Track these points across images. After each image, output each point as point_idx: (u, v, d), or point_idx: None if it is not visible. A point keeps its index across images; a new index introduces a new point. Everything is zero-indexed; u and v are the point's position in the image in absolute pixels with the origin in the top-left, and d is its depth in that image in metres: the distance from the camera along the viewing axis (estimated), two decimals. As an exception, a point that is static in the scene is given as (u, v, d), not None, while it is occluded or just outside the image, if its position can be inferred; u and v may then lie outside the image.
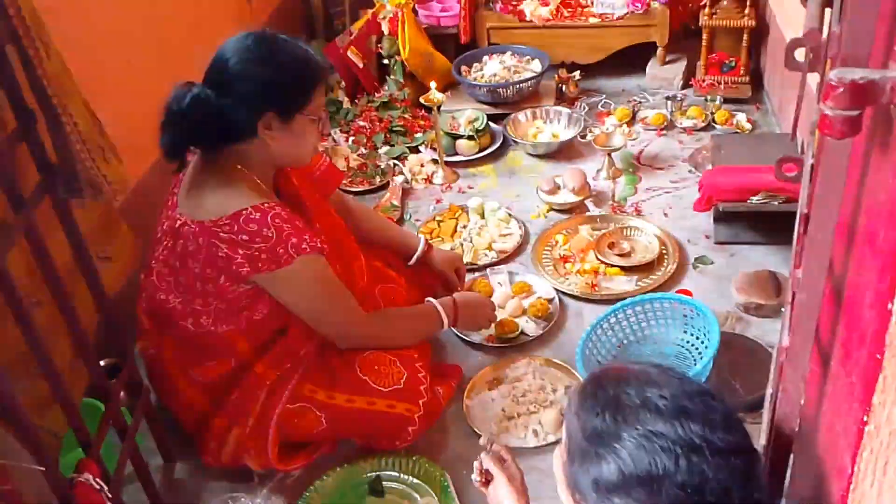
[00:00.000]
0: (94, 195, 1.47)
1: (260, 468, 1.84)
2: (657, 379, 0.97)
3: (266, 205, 1.61)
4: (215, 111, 1.59)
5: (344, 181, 2.87)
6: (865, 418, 0.75)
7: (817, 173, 0.82)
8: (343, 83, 3.31)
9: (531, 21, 3.29)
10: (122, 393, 1.85)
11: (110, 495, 1.46)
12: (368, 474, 1.84)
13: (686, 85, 3.23)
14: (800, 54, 0.96)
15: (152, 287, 1.75)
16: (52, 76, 1.33)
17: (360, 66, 3.27)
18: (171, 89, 1.63)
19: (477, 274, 2.41)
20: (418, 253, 2.17)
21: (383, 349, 1.86)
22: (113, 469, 1.59)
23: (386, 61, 3.32)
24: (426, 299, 2.02)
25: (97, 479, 1.43)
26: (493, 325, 2.15)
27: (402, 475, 1.83)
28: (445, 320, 1.97)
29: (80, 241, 1.54)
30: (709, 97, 3.04)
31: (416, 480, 1.81)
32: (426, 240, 2.22)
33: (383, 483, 1.82)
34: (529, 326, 2.19)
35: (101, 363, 1.98)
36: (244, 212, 1.59)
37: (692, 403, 0.94)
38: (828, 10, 0.91)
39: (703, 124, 2.97)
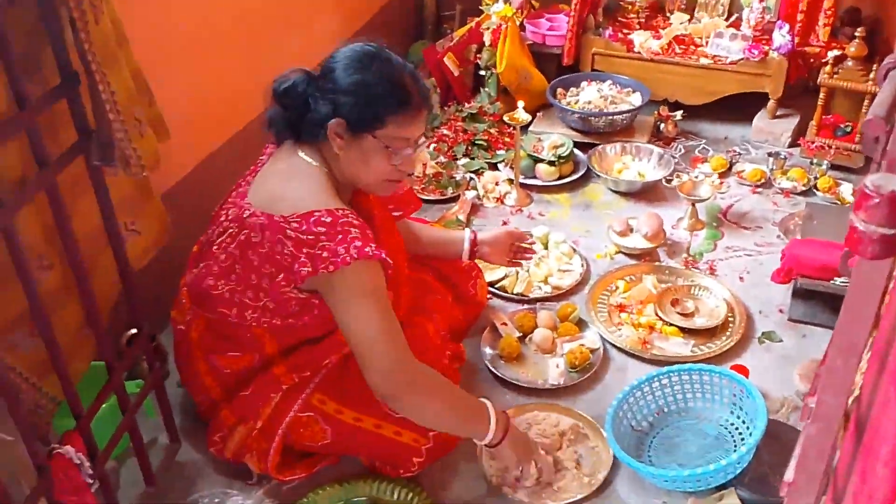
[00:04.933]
0: (124, 167, 1.44)
1: (259, 472, 1.79)
2: None
3: (340, 211, 1.55)
4: (303, 102, 1.59)
5: (417, 188, 2.82)
6: None
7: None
8: (437, 89, 3.24)
9: (639, 53, 3.14)
10: (145, 363, 1.85)
11: (91, 472, 1.43)
12: (365, 497, 1.76)
13: (793, 144, 3.01)
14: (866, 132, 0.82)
15: (201, 271, 1.72)
16: (97, 41, 1.31)
17: (455, 73, 3.20)
18: (255, 78, 1.65)
19: (524, 307, 2.30)
20: (466, 247, 2.09)
21: (406, 412, 1.63)
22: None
23: (482, 72, 3.24)
24: (483, 399, 1.71)
25: (78, 454, 1.40)
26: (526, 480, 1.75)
27: (397, 506, 1.74)
28: (490, 434, 1.66)
29: (109, 208, 1.53)
30: (815, 161, 2.82)
31: (410, 515, 1.72)
32: (472, 232, 2.12)
33: (378, 511, 1.74)
34: (554, 373, 2.06)
35: (129, 333, 1.99)
36: (317, 213, 1.53)
37: None
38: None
39: (804, 188, 2.75)
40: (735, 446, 1.80)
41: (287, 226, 1.54)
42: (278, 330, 1.70)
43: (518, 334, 2.19)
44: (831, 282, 2.09)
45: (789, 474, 0.75)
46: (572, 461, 1.80)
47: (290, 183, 1.61)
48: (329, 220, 1.53)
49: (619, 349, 2.15)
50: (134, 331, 1.98)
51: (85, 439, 1.47)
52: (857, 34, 2.73)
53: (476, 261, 2.18)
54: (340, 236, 1.52)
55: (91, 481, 1.45)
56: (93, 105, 1.38)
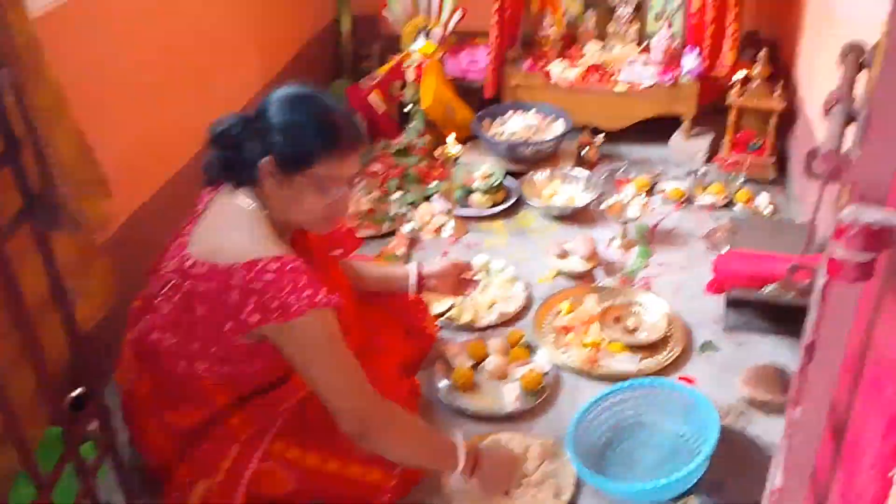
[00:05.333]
0: (73, 230, 1.41)
1: None
2: None
3: (284, 258, 1.54)
4: (236, 144, 1.60)
5: (352, 224, 2.83)
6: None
7: (825, 304, 0.74)
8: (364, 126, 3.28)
9: (557, 83, 3.25)
10: (92, 425, 1.79)
11: (55, 544, 1.38)
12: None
13: (710, 160, 3.16)
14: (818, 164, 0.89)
15: (145, 325, 1.69)
16: (41, 105, 1.29)
17: (381, 111, 3.23)
18: (183, 123, 1.62)
19: (474, 335, 2.33)
20: (413, 280, 2.10)
21: (380, 449, 1.66)
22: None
23: (407, 108, 3.29)
24: (454, 434, 1.76)
25: (43, 527, 1.36)
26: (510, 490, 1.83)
27: (369, 547, 1.74)
28: (460, 464, 1.71)
29: (56, 273, 1.48)
30: (731, 175, 2.97)
31: (383, 554, 1.72)
32: (418, 265, 2.14)
33: (349, 553, 1.73)
34: (510, 399, 2.10)
35: (73, 394, 1.92)
36: (261, 262, 1.52)
37: None
38: (851, 127, 0.85)
39: (723, 202, 2.90)
40: (691, 457, 1.87)
41: (231, 275, 1.52)
42: (230, 379, 1.68)
43: (470, 363, 2.22)
44: (761, 290, 2.21)
45: (777, 481, 0.80)
46: (552, 490, 1.84)
47: (230, 231, 1.60)
48: (276, 266, 1.52)
49: (570, 369, 2.20)
50: (78, 391, 1.93)
51: (48, 510, 1.42)
52: (759, 55, 2.91)
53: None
54: (290, 286, 1.51)
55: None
56: (39, 170, 1.35)
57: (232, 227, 1.60)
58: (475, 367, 2.22)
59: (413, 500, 1.84)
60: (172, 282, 1.64)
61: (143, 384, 1.76)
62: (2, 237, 1.31)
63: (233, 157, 1.61)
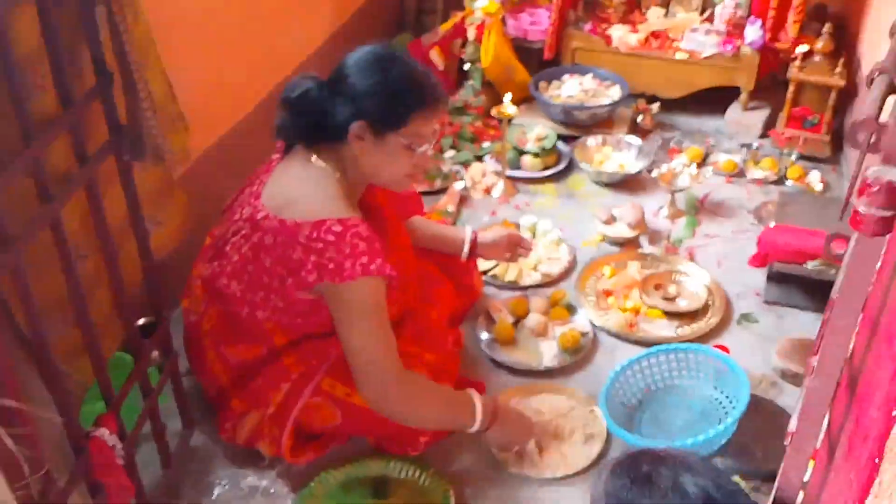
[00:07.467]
0: (155, 161, 1.52)
1: (272, 455, 1.87)
2: (694, 466, 0.97)
3: (350, 220, 1.62)
4: (318, 108, 1.66)
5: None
6: (858, 522, 0.74)
7: (851, 260, 0.80)
8: (421, 82, 3.33)
9: (617, 47, 3.25)
10: (154, 353, 1.92)
11: (122, 453, 1.51)
12: (375, 474, 1.85)
13: (764, 135, 3.15)
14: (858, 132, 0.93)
15: (215, 270, 1.79)
16: (135, 42, 1.38)
17: (441, 67, 3.28)
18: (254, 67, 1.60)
19: (517, 293, 2.41)
20: (466, 248, 2.18)
21: (399, 418, 1.75)
22: (131, 427, 1.65)
23: (467, 66, 3.33)
24: (469, 391, 1.81)
25: (112, 435, 1.48)
26: (527, 451, 1.88)
27: (407, 481, 1.84)
28: (477, 423, 1.77)
29: (136, 202, 1.60)
30: (785, 151, 2.96)
31: (419, 489, 1.82)
32: (473, 233, 2.21)
33: (388, 487, 1.83)
34: (548, 356, 2.18)
35: (140, 321, 2.05)
36: (328, 221, 1.61)
37: (721, 497, 0.94)
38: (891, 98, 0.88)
39: (775, 178, 2.90)
40: (720, 420, 1.93)
41: (298, 231, 1.61)
42: (288, 327, 1.78)
43: (512, 319, 2.30)
44: (804, 265, 2.23)
45: (793, 424, 0.86)
46: (582, 435, 1.93)
47: (303, 188, 1.68)
48: (339, 229, 1.60)
49: (608, 332, 2.26)
50: (143, 320, 2.06)
51: (117, 422, 1.54)
52: (824, 30, 2.88)
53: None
54: (348, 249, 1.59)
55: (122, 463, 1.53)
56: (128, 103, 1.45)
57: (305, 186, 1.69)
58: (517, 323, 2.30)
59: (453, 439, 1.92)
60: (243, 231, 1.74)
61: (208, 318, 1.87)
62: (93, 165, 1.42)
63: (315, 120, 1.68)
